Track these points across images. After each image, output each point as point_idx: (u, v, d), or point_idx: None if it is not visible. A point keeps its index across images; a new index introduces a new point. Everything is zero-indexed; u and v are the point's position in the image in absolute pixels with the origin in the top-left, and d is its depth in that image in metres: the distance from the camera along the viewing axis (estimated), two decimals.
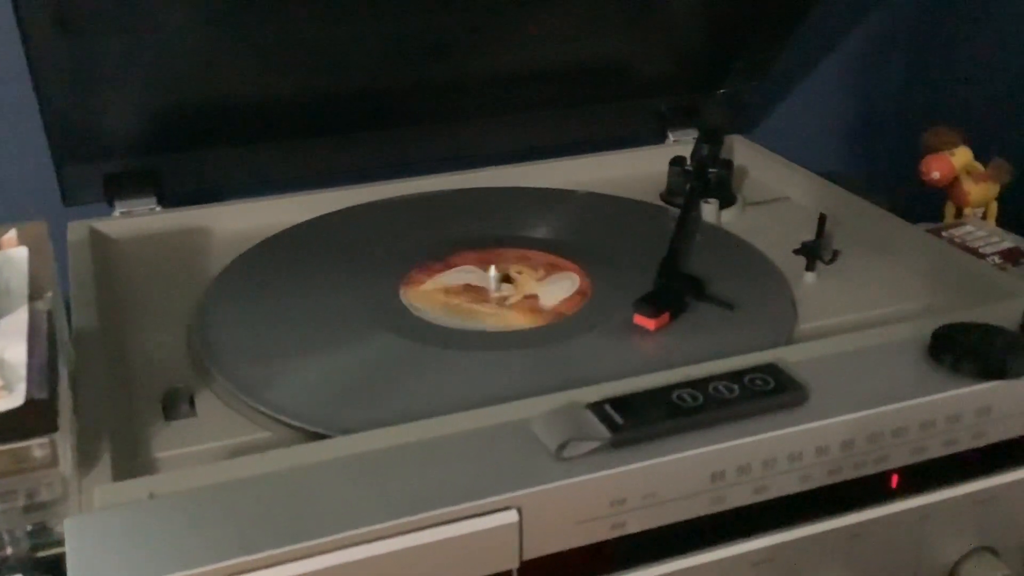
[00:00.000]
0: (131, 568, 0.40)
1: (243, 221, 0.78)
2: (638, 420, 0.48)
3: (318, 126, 0.83)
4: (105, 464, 0.48)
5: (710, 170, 0.81)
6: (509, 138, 0.91)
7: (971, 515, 0.55)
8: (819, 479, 0.51)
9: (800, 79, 1.09)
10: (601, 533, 0.47)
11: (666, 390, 0.50)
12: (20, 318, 0.50)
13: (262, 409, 0.55)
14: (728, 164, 0.83)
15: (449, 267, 0.70)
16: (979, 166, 0.88)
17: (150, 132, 0.79)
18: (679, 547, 0.49)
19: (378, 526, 0.43)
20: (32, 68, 0.68)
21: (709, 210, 0.79)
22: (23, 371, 0.46)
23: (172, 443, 0.54)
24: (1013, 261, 0.78)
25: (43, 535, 0.46)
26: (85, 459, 0.48)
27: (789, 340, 0.61)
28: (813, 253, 0.70)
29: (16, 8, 0.64)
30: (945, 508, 0.54)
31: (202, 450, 0.53)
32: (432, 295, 0.66)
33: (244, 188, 0.85)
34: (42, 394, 0.45)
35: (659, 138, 0.95)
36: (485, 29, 0.84)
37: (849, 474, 0.51)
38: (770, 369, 0.52)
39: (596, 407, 0.49)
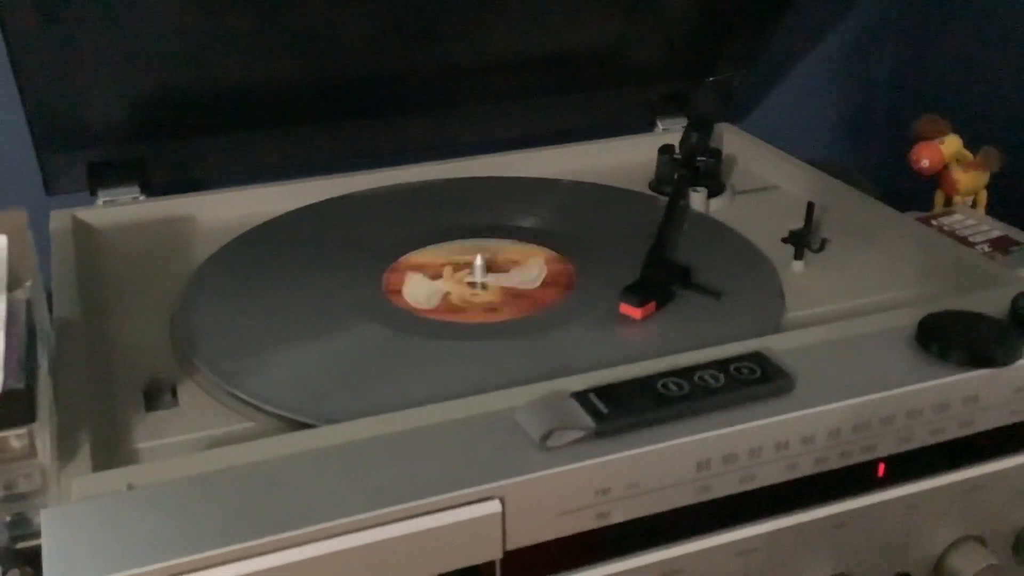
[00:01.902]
0: (107, 560, 0.39)
1: (227, 210, 0.78)
2: (623, 409, 0.47)
3: (303, 114, 0.83)
4: (85, 455, 0.48)
5: (699, 159, 0.81)
6: (497, 126, 0.91)
7: (958, 504, 0.55)
8: (806, 468, 0.50)
9: (789, 68, 1.09)
10: (585, 523, 0.46)
11: (651, 379, 0.50)
12: None
13: (245, 398, 0.54)
14: (717, 153, 0.83)
15: (432, 256, 0.70)
16: (969, 154, 0.88)
17: (133, 120, 0.78)
18: (664, 537, 0.49)
19: (360, 516, 0.42)
20: (13, 56, 0.68)
21: (698, 199, 0.78)
22: (0, 361, 0.45)
23: (154, 433, 0.53)
24: (1003, 250, 0.77)
25: (22, 526, 0.46)
26: (65, 449, 0.48)
27: (777, 329, 0.61)
28: (801, 242, 0.70)
29: None
30: (932, 497, 0.54)
31: (184, 440, 0.53)
32: (418, 284, 0.66)
33: (228, 177, 0.84)
34: (19, 384, 0.44)
35: (648, 126, 0.95)
36: (472, 17, 0.83)
37: (836, 463, 0.51)
38: (756, 358, 0.51)
39: (581, 396, 0.48)
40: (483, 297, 0.65)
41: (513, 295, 0.65)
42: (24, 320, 0.49)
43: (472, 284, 0.66)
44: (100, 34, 0.71)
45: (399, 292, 0.65)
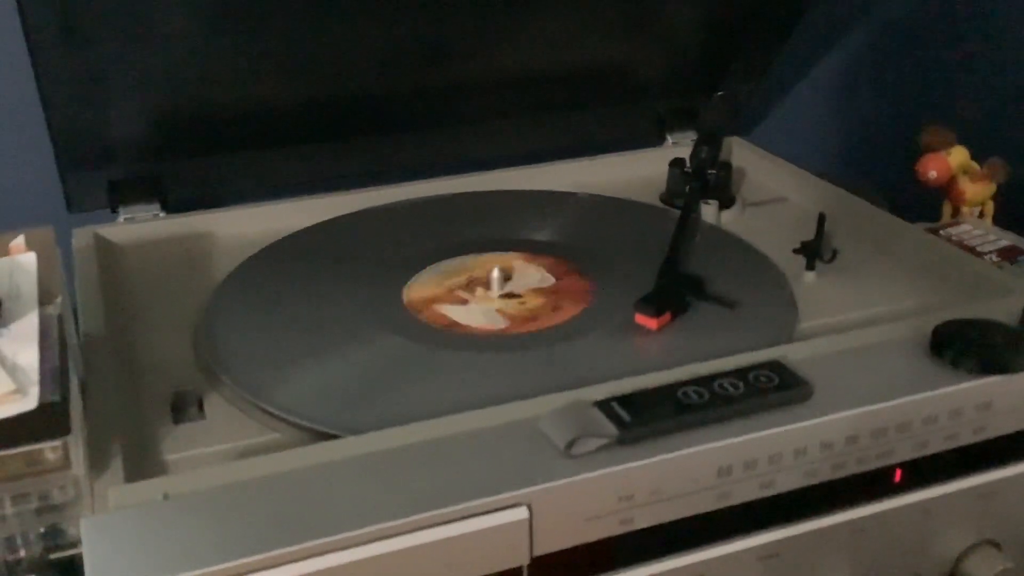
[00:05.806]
0: (148, 567, 0.40)
1: (247, 226, 0.79)
2: (645, 417, 0.48)
3: (320, 131, 0.84)
4: (117, 466, 0.49)
5: (709, 171, 0.81)
6: (509, 141, 0.92)
7: (973, 509, 0.56)
8: (824, 474, 0.51)
9: (797, 81, 1.10)
10: (610, 529, 0.47)
11: (672, 388, 0.51)
12: (31, 323, 0.50)
13: (271, 410, 0.55)
14: (727, 165, 0.84)
15: (451, 269, 0.71)
16: (975, 165, 0.89)
17: (154, 139, 0.79)
18: (686, 542, 0.50)
19: (389, 523, 0.43)
20: (38, 75, 0.69)
21: (709, 211, 0.79)
22: (35, 375, 0.46)
23: (181, 445, 0.54)
24: (1010, 259, 0.78)
25: (56, 537, 0.47)
26: (96, 461, 0.49)
27: (790, 339, 0.62)
28: (813, 252, 0.71)
29: (23, 16, 0.65)
30: (948, 502, 0.55)
31: (211, 452, 0.54)
32: (468, 312, 0.65)
33: (248, 193, 0.85)
34: (55, 397, 0.45)
35: (658, 140, 0.96)
36: (484, 33, 0.85)
37: (853, 469, 0.52)
38: (774, 366, 0.52)
39: (604, 405, 0.49)
40: (532, 302, 0.66)
41: (551, 293, 0.66)
42: (56, 335, 0.50)
43: (508, 296, 0.67)
44: (122, 55, 0.72)
45: (450, 324, 0.64)
